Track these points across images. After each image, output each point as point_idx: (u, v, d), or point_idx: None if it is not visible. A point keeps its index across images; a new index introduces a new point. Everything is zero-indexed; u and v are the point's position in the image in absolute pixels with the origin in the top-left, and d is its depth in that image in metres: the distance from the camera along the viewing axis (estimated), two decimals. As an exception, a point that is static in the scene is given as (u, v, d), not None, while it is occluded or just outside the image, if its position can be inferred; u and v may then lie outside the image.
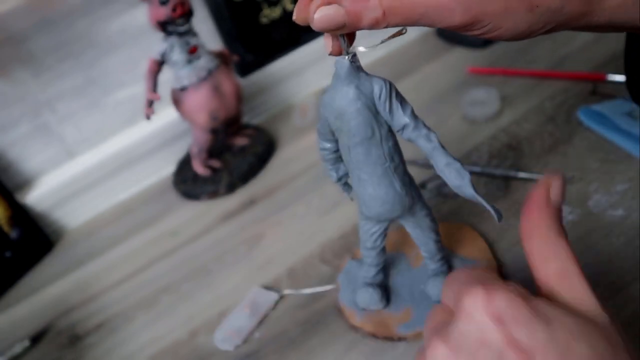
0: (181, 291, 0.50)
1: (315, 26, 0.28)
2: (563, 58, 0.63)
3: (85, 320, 0.51)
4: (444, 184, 0.51)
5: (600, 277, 0.38)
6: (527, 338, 0.23)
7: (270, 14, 0.73)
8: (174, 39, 0.57)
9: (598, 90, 0.55)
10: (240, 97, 0.63)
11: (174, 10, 0.54)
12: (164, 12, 0.54)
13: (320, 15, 0.28)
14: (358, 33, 0.31)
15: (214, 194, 0.62)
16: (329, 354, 0.40)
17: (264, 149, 0.65)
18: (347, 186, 0.37)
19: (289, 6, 0.73)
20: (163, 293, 0.51)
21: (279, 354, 0.41)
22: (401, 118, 0.30)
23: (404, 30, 0.30)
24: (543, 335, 0.23)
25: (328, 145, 0.34)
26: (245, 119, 0.71)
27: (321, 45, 0.75)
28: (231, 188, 0.62)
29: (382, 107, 0.30)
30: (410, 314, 0.39)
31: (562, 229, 0.26)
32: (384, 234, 0.37)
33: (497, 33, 0.28)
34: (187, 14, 0.56)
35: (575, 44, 0.65)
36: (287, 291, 0.46)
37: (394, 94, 0.30)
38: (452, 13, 0.27)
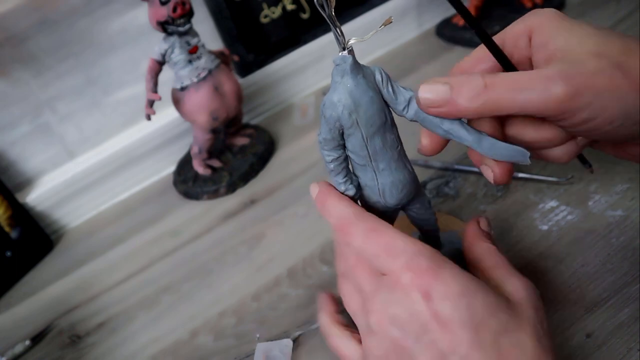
0: (182, 291, 0.51)
1: (420, 102, 0.30)
2: (563, 58, 0.63)
3: (86, 320, 0.51)
4: (443, 184, 0.51)
5: (600, 277, 0.38)
6: (450, 311, 0.27)
7: (271, 14, 0.73)
8: (174, 39, 0.57)
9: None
10: (240, 97, 0.63)
11: (174, 10, 0.54)
12: (164, 12, 0.54)
13: (423, 91, 0.30)
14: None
15: (214, 194, 0.62)
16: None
17: (264, 148, 0.65)
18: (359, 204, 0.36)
19: (289, 6, 0.74)
20: (164, 293, 0.51)
21: (279, 353, 0.41)
22: (405, 93, 0.31)
23: (391, 18, 0.31)
24: (464, 311, 0.27)
25: (337, 153, 0.33)
26: (246, 119, 0.72)
27: (321, 45, 0.75)
28: (231, 188, 0.62)
29: (386, 89, 0.31)
30: None
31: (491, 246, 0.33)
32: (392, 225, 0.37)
33: (596, 123, 0.28)
34: (188, 14, 0.56)
35: (575, 43, 0.65)
36: (296, 332, 0.42)
37: (389, 77, 0.32)
38: (553, 84, 0.27)
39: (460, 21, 0.74)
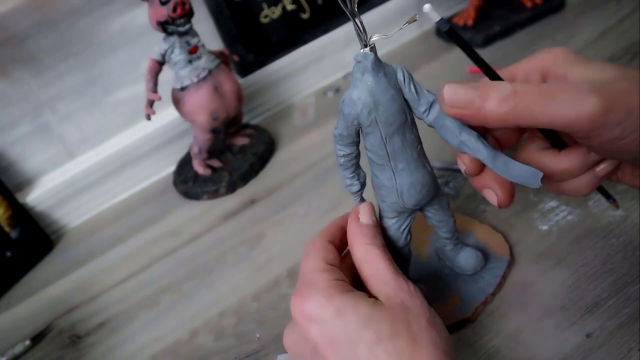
0: (182, 291, 0.51)
1: (445, 100, 0.29)
2: (563, 58, 0.63)
3: (86, 320, 0.51)
4: (443, 184, 0.51)
5: (600, 277, 0.38)
6: (326, 334, 0.29)
7: (271, 14, 0.73)
8: (174, 39, 0.57)
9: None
10: (240, 97, 0.63)
11: (174, 10, 0.54)
12: (164, 12, 0.54)
13: (449, 90, 0.28)
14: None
15: (214, 194, 0.62)
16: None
17: (264, 148, 0.65)
18: (362, 201, 0.37)
19: (289, 6, 0.74)
20: (164, 293, 0.51)
21: (279, 353, 0.41)
22: (428, 95, 0.31)
23: (416, 16, 0.30)
24: (338, 329, 0.28)
25: (349, 150, 0.33)
26: (246, 119, 0.71)
27: (321, 45, 0.75)
28: (231, 188, 0.62)
29: (408, 89, 0.31)
30: (458, 297, 0.39)
31: (376, 239, 0.33)
32: (410, 226, 0.37)
33: (625, 143, 0.27)
34: (188, 14, 0.56)
35: (575, 44, 0.65)
36: None
37: (412, 76, 0.31)
38: (587, 97, 0.26)
39: (460, 21, 0.74)
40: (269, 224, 0.55)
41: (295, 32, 0.75)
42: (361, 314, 0.28)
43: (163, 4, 0.54)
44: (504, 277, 0.40)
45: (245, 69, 0.73)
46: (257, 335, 0.43)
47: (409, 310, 0.29)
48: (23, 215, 0.62)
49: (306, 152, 0.64)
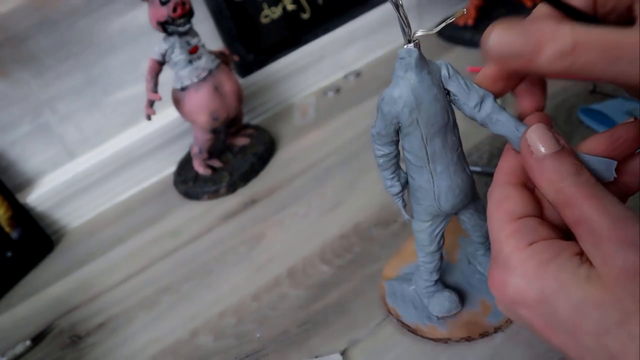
0: (182, 291, 0.51)
1: (490, 50, 0.24)
2: (563, 58, 0.63)
3: (87, 320, 0.51)
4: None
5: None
6: (539, 316, 0.23)
7: (271, 14, 0.73)
8: (174, 39, 0.57)
9: (598, 89, 0.55)
10: (240, 97, 0.63)
11: (174, 10, 0.54)
12: (164, 12, 0.54)
13: (497, 37, 0.24)
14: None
15: (214, 194, 0.62)
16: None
17: (264, 148, 0.65)
18: (405, 203, 0.34)
19: (289, 6, 0.74)
20: (164, 293, 0.51)
21: (279, 353, 0.41)
22: (479, 89, 0.28)
23: (464, 10, 0.29)
24: (549, 316, 0.23)
25: (388, 149, 0.31)
26: (246, 119, 0.72)
27: (321, 45, 0.75)
28: (232, 188, 0.62)
29: (456, 83, 0.29)
30: (489, 304, 0.38)
31: (570, 174, 0.23)
32: (444, 230, 0.35)
33: None
34: (188, 14, 0.56)
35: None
36: (344, 346, 0.40)
37: (457, 72, 0.29)
38: None
39: (460, 21, 0.74)
40: (269, 224, 0.55)
41: (296, 32, 0.75)
42: (572, 299, 0.22)
43: (163, 4, 0.54)
44: None
45: (246, 69, 0.73)
46: (258, 335, 0.43)
47: (638, 273, 0.21)
48: (23, 216, 0.62)
49: (306, 152, 0.64)
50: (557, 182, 0.23)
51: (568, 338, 0.22)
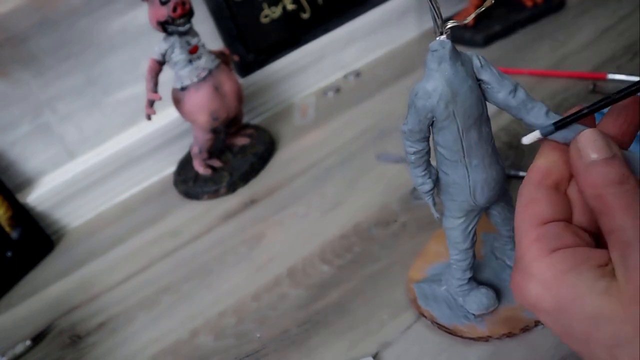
0: (182, 291, 0.51)
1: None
2: (563, 57, 0.63)
3: (87, 320, 0.51)
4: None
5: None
6: (555, 323, 0.23)
7: (271, 14, 0.73)
8: (174, 39, 0.57)
9: (598, 89, 0.55)
10: (240, 97, 0.63)
11: (174, 10, 0.54)
12: (164, 12, 0.54)
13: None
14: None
15: (214, 194, 0.62)
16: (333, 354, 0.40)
17: (264, 148, 0.65)
18: (435, 201, 0.34)
19: (289, 6, 0.74)
20: (164, 293, 0.51)
21: (279, 353, 0.41)
22: (510, 78, 0.28)
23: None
24: (563, 324, 0.23)
25: (421, 146, 0.31)
26: (246, 118, 0.71)
27: (321, 45, 0.75)
28: (232, 188, 0.62)
29: (489, 72, 0.28)
30: None
31: (614, 182, 0.23)
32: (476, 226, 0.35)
33: None
34: (188, 14, 0.56)
35: (575, 43, 0.65)
36: (376, 349, 0.39)
37: (487, 61, 0.29)
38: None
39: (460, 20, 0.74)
40: (269, 224, 0.55)
41: (296, 32, 0.75)
42: (586, 311, 0.22)
43: (163, 3, 0.54)
44: None
45: (246, 69, 0.73)
46: (258, 335, 0.43)
47: None
48: (23, 216, 0.62)
49: (306, 152, 0.64)
50: (600, 188, 0.23)
51: (582, 347, 0.22)
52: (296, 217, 0.54)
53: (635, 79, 0.54)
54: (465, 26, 0.73)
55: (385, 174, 0.55)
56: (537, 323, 0.36)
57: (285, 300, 0.45)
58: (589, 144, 0.24)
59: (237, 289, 0.48)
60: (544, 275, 0.23)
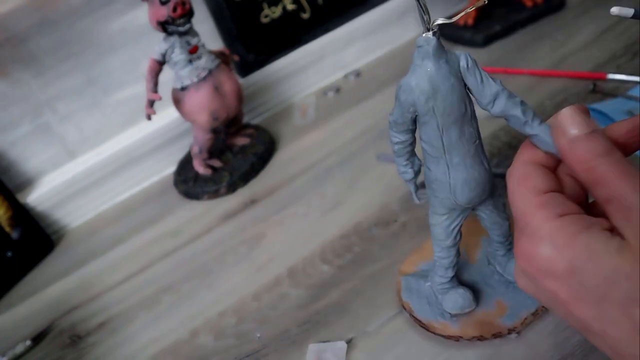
0: (182, 291, 0.51)
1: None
2: (563, 57, 0.63)
3: (87, 320, 0.51)
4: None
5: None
6: (566, 288, 0.23)
7: (271, 14, 0.73)
8: (174, 39, 0.57)
9: (598, 88, 0.55)
10: (240, 97, 0.63)
11: (174, 10, 0.54)
12: (164, 12, 0.54)
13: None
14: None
15: (214, 194, 0.62)
16: None
17: (264, 148, 0.65)
18: (417, 188, 0.35)
19: (289, 6, 0.74)
20: (164, 293, 0.51)
21: (279, 353, 0.41)
22: (493, 86, 0.28)
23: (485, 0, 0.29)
24: (577, 286, 0.22)
25: (404, 137, 0.32)
26: (246, 118, 0.72)
27: (321, 45, 0.75)
28: (232, 188, 0.62)
29: (472, 77, 0.29)
30: (505, 305, 0.37)
31: (601, 153, 0.23)
32: (461, 225, 0.35)
33: None
34: (188, 14, 0.56)
35: (575, 43, 0.65)
36: (351, 334, 0.40)
37: (478, 65, 0.29)
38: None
39: (460, 21, 0.74)
40: (269, 224, 0.55)
41: (296, 32, 0.75)
42: (603, 270, 0.22)
43: (163, 3, 0.54)
44: None
45: (246, 69, 0.73)
46: (258, 335, 0.43)
47: None
48: (24, 216, 0.62)
49: (306, 152, 0.64)
50: (588, 161, 0.23)
51: (593, 309, 0.22)
52: (296, 217, 0.55)
53: (635, 78, 0.54)
54: (465, 26, 0.73)
55: (385, 174, 0.55)
56: (510, 331, 0.36)
57: (285, 300, 0.45)
58: (567, 120, 0.25)
59: (237, 289, 0.48)
60: (555, 237, 0.23)
